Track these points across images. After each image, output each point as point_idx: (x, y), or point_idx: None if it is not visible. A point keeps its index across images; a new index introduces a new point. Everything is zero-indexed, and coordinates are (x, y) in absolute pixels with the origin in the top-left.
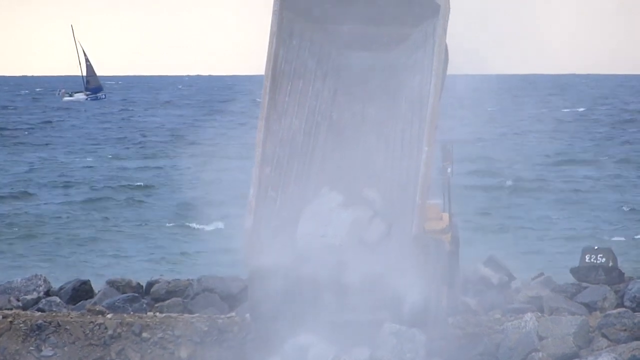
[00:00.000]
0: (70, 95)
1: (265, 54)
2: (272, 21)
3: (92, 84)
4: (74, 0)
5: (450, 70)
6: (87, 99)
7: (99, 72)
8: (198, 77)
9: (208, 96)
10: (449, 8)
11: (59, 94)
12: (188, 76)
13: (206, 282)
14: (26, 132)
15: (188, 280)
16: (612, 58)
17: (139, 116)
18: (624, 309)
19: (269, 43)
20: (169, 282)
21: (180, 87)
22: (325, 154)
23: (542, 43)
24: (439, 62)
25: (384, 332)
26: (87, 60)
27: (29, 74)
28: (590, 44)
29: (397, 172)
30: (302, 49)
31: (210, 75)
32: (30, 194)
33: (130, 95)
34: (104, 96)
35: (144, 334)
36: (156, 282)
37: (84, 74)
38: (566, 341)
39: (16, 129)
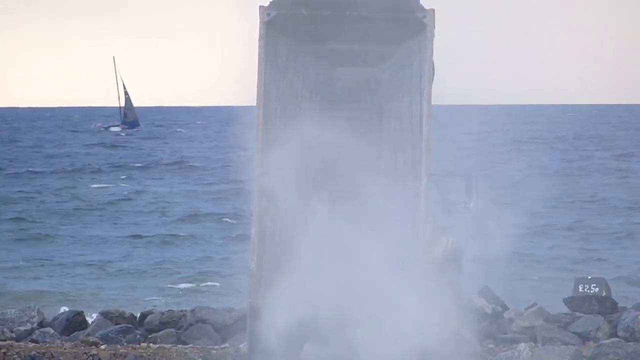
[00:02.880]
0: (107, 128)
1: (254, 82)
2: (259, 47)
3: (129, 117)
4: (115, 31)
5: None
6: (123, 132)
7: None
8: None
9: None
10: (434, 26)
11: (95, 126)
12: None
13: (200, 313)
14: None
15: (182, 311)
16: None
17: None
18: (617, 339)
19: (259, 70)
20: (163, 313)
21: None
22: (318, 181)
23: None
24: (429, 83)
25: None
26: (126, 92)
27: (70, 105)
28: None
29: (392, 202)
30: (288, 68)
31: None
32: None
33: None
34: (139, 131)
35: None
36: (150, 313)
37: (122, 105)
38: None
39: None
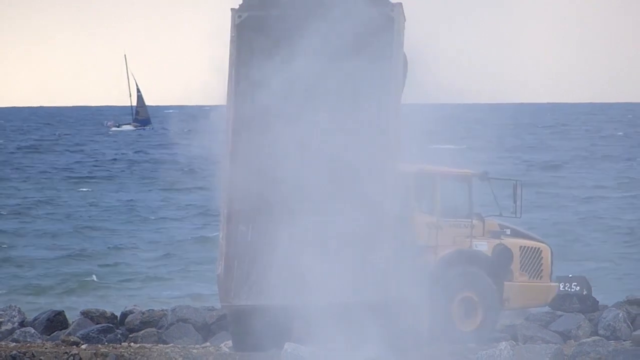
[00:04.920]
0: (118, 127)
1: (225, 83)
2: (230, 49)
3: (141, 115)
4: (127, 29)
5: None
6: (134, 131)
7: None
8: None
9: None
10: (403, 19)
11: (106, 125)
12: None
13: (180, 313)
14: None
15: (162, 310)
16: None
17: None
18: (598, 338)
19: (229, 73)
20: (144, 313)
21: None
22: (295, 179)
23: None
24: (397, 76)
25: None
26: (138, 90)
27: (81, 104)
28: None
29: (363, 197)
30: (263, 67)
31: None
32: None
33: None
34: (151, 128)
35: None
36: (130, 312)
37: (134, 104)
38: None
39: None
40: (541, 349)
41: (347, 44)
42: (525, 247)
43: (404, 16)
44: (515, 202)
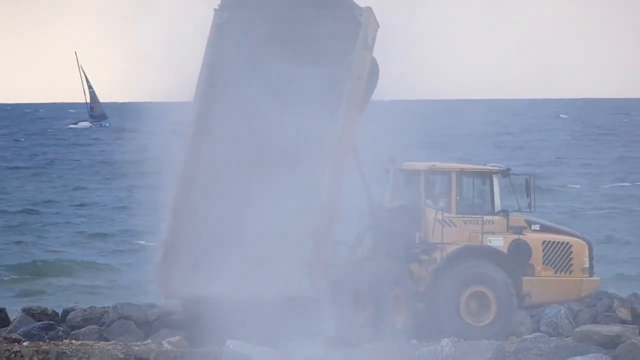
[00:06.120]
0: (75, 124)
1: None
2: (206, 51)
3: (96, 111)
4: (77, 26)
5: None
6: (92, 127)
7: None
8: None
9: None
10: (374, 24)
11: (66, 125)
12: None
13: (122, 310)
14: None
15: (104, 307)
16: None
17: None
18: (540, 334)
19: (201, 72)
20: (85, 310)
21: None
22: (246, 175)
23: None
24: (355, 79)
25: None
26: (90, 87)
27: (33, 101)
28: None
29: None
30: (237, 66)
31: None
32: None
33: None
34: (108, 124)
35: None
36: (72, 309)
37: (88, 100)
38: None
39: None
40: (483, 346)
41: (314, 46)
42: (549, 241)
43: (377, 22)
44: (528, 196)
